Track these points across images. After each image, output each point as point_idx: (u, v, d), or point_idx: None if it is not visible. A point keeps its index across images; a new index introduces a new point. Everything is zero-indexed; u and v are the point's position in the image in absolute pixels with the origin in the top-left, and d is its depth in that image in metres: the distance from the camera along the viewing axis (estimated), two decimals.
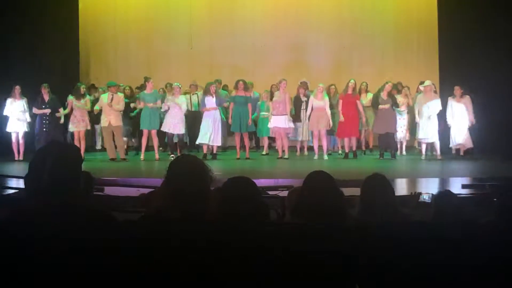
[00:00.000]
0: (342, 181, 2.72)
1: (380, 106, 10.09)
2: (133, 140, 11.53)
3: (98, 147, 11.84)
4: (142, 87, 10.77)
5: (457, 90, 10.09)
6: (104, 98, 10.03)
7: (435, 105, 9.93)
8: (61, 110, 10.24)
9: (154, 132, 10.20)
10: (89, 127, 10.40)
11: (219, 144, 10.34)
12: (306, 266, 2.16)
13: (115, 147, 10.14)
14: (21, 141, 10.17)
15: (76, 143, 9.92)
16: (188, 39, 13.27)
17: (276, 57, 13.26)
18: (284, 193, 4.02)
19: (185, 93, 11.04)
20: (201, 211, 2.17)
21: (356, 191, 2.76)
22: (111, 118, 9.92)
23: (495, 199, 2.73)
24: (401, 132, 10.61)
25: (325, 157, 10.19)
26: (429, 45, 12.72)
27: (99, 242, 1.93)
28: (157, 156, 10.23)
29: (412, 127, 10.61)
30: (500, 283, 2.31)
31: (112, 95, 9.99)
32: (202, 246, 2.05)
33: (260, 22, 13.22)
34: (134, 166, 9.78)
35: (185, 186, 2.16)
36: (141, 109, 10.27)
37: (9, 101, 10.13)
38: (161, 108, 10.27)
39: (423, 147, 10.22)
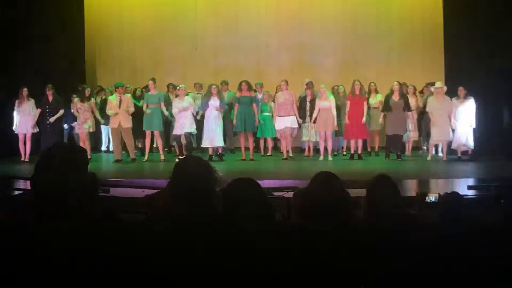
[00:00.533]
0: (347, 182, 2.71)
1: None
2: (136, 142, 11.53)
3: (104, 148, 11.87)
4: (147, 88, 10.80)
5: (461, 91, 10.05)
6: (113, 99, 10.08)
7: (447, 106, 9.90)
8: (61, 111, 10.26)
9: (157, 133, 10.21)
10: (92, 129, 10.42)
11: (221, 145, 10.30)
12: (311, 267, 2.16)
13: (124, 147, 10.19)
14: (27, 142, 10.21)
15: (81, 144, 9.97)
16: (193, 40, 13.29)
17: (280, 57, 13.26)
18: (289, 194, 4.01)
19: (187, 93, 11.01)
20: (206, 212, 2.17)
21: (361, 192, 2.75)
22: (120, 120, 9.96)
23: (502, 201, 2.72)
24: (409, 132, 10.57)
25: (330, 158, 10.18)
26: (434, 45, 12.68)
27: (104, 243, 1.93)
28: (162, 157, 10.25)
29: (424, 129, 10.60)
30: (509, 284, 2.30)
31: (120, 96, 10.03)
32: (207, 247, 2.05)
33: (265, 23, 13.22)
34: (139, 167, 9.80)
35: (191, 187, 2.16)
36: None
37: (17, 102, 10.18)
38: (166, 110, 10.30)
39: (432, 148, 10.18)
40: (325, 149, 10.22)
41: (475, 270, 2.32)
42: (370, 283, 2.26)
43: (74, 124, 10.54)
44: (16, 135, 10.25)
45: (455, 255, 2.34)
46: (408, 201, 4.24)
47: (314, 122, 10.26)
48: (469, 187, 5.86)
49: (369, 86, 10.69)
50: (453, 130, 10.06)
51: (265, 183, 3.36)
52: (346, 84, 10.84)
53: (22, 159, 10.21)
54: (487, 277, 2.32)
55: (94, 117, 10.38)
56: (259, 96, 10.92)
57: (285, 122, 10.16)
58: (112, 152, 11.46)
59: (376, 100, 10.50)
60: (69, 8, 12.11)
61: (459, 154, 10.20)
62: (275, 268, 2.11)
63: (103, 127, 11.42)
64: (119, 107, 9.98)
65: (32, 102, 10.20)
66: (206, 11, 13.39)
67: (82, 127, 10.13)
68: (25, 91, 10.12)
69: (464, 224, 2.69)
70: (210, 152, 10.18)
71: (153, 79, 10.38)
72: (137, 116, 10.31)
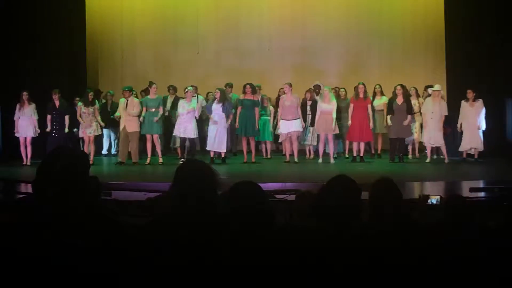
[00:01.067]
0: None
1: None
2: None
3: (104, 152, 11.87)
4: (146, 92, 10.81)
5: (470, 93, 10.05)
6: (122, 102, 10.22)
7: (442, 109, 9.90)
8: (66, 118, 10.27)
9: (156, 136, 10.24)
10: (97, 132, 10.43)
11: (224, 150, 10.26)
12: (314, 267, 2.16)
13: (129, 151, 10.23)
14: (28, 146, 10.23)
15: (86, 148, 10.01)
16: (195, 43, 13.30)
17: (283, 60, 13.24)
18: (292, 197, 4.01)
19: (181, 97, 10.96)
20: (208, 215, 2.17)
21: (364, 195, 2.75)
22: (125, 123, 10.05)
23: (505, 203, 2.71)
24: (413, 134, 10.54)
25: (332, 160, 10.17)
26: (437, 48, 12.66)
27: (106, 247, 1.93)
28: (160, 160, 10.25)
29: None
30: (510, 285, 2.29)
31: (127, 100, 10.09)
32: (209, 250, 2.05)
33: (267, 26, 13.22)
34: (141, 170, 9.81)
35: (193, 190, 2.16)
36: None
37: (18, 106, 10.20)
38: (165, 113, 10.32)
39: (429, 150, 10.18)
40: (325, 152, 10.20)
41: (477, 271, 2.32)
42: (371, 284, 2.26)
43: (75, 130, 10.55)
44: (18, 139, 10.26)
45: (457, 257, 2.34)
46: (411, 204, 4.24)
47: (312, 125, 10.26)
48: (472, 189, 5.85)
49: (374, 88, 10.68)
50: (460, 132, 10.03)
51: (267, 186, 3.37)
52: (348, 87, 10.82)
53: (24, 163, 10.22)
54: (490, 278, 2.31)
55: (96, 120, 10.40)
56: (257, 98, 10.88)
57: (291, 126, 10.14)
58: (113, 155, 11.49)
59: (381, 102, 10.46)
60: (71, 10, 12.11)
61: (465, 156, 10.19)
62: (278, 268, 2.10)
63: (105, 130, 11.44)
64: (126, 111, 10.07)
65: (33, 106, 10.21)
66: (208, 13, 13.39)
67: (87, 132, 10.16)
68: (25, 95, 10.13)
69: (466, 226, 2.69)
70: (212, 154, 10.17)
71: (154, 84, 10.39)
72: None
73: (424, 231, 2.60)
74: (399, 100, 10.06)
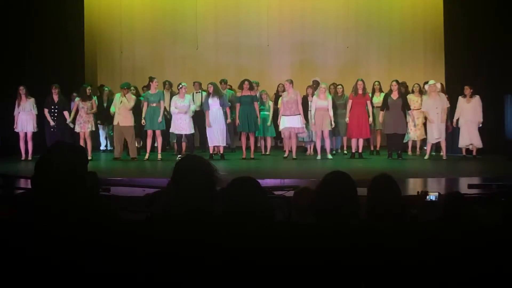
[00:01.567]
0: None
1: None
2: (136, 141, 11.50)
3: (102, 147, 11.86)
4: (148, 87, 10.80)
5: (467, 89, 10.04)
6: (117, 98, 10.21)
7: (443, 102, 9.91)
8: (65, 113, 10.26)
9: (158, 132, 10.22)
10: (93, 128, 10.43)
11: (224, 144, 10.30)
12: (312, 265, 2.16)
13: (125, 146, 10.21)
14: (29, 142, 10.22)
15: (82, 143, 9.98)
16: (193, 39, 13.28)
17: (281, 57, 13.24)
18: (290, 193, 4.01)
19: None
20: (206, 211, 2.17)
21: (363, 191, 2.74)
22: (119, 118, 10.03)
23: (503, 199, 2.72)
24: (412, 131, 10.48)
25: (329, 156, 10.16)
26: (436, 45, 12.68)
27: (105, 242, 1.93)
28: (159, 156, 10.24)
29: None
30: (509, 284, 2.30)
31: (125, 96, 10.10)
32: (207, 246, 2.05)
33: (266, 22, 13.21)
34: (140, 166, 9.80)
35: (191, 186, 2.16)
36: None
37: (16, 102, 10.18)
38: (166, 109, 10.30)
39: (429, 147, 10.17)
40: (323, 148, 10.20)
41: (476, 269, 2.32)
42: (371, 282, 2.26)
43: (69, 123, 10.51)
44: (17, 134, 10.25)
45: (455, 254, 2.34)
46: (409, 200, 4.24)
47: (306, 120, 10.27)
48: (470, 186, 5.86)
49: (374, 85, 10.68)
50: (458, 129, 10.05)
51: (266, 182, 3.36)
52: (347, 83, 10.81)
53: (23, 158, 10.20)
54: (488, 276, 2.32)
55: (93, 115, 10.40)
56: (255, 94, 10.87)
57: (290, 122, 10.11)
58: (110, 151, 11.47)
59: (380, 99, 10.46)
60: (69, 7, 12.09)
61: (464, 153, 10.19)
62: (276, 265, 2.11)
63: (101, 126, 11.44)
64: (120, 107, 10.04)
65: (32, 100, 10.19)
66: (206, 9, 13.37)
67: (84, 126, 10.14)
68: (21, 89, 10.10)
69: (465, 223, 2.69)
70: (211, 151, 10.18)
71: (155, 78, 10.37)
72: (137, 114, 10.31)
73: (422, 227, 2.60)
74: (394, 95, 10.06)
